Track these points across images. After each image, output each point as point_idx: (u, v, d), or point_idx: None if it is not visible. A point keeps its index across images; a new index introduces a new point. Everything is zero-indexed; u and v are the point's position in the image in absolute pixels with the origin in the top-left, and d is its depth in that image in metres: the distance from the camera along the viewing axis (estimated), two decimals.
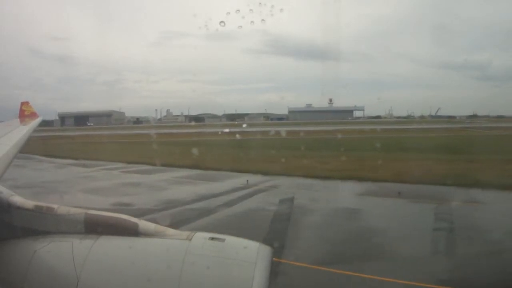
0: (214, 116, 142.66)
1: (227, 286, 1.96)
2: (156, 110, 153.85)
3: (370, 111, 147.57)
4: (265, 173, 19.53)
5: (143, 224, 2.29)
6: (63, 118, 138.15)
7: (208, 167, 22.46)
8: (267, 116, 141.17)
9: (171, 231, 2.26)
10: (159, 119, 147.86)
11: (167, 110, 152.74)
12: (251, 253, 2.06)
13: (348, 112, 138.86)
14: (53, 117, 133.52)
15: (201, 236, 2.17)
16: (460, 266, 8.27)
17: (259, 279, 1.94)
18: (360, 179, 17.12)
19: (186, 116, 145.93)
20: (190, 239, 2.14)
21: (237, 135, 36.62)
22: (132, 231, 2.25)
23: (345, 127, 64.62)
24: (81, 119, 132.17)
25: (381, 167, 19.78)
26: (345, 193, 15.11)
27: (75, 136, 61.49)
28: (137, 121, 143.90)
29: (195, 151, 32.21)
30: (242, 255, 2.06)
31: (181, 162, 24.39)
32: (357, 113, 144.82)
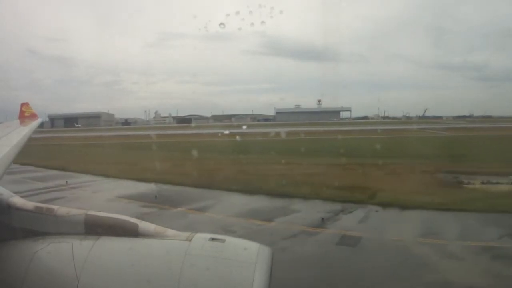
0: (202, 117, 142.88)
1: (227, 287, 1.94)
2: (145, 111, 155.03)
3: (365, 112, 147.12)
4: (108, 175, 19.20)
5: (143, 225, 2.28)
6: (52, 119, 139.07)
7: (81, 169, 22.27)
8: (254, 117, 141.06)
9: (171, 232, 2.24)
10: (148, 121, 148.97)
11: (156, 112, 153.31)
12: (251, 254, 2.04)
13: (335, 112, 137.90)
14: (45, 119, 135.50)
15: (201, 237, 2.15)
16: None
17: (259, 280, 1.91)
18: (172, 182, 16.46)
19: (174, 118, 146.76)
20: (190, 240, 2.12)
21: (184, 137, 35.59)
22: (132, 232, 2.23)
23: (310, 129, 63.99)
24: (70, 121, 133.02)
25: (221, 170, 19.07)
26: (113, 195, 14.45)
27: (44, 138, 62.31)
28: (126, 122, 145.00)
29: (107, 153, 32.88)
30: (242, 256, 2.03)
31: (67, 164, 24.14)
32: (345, 114, 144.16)
